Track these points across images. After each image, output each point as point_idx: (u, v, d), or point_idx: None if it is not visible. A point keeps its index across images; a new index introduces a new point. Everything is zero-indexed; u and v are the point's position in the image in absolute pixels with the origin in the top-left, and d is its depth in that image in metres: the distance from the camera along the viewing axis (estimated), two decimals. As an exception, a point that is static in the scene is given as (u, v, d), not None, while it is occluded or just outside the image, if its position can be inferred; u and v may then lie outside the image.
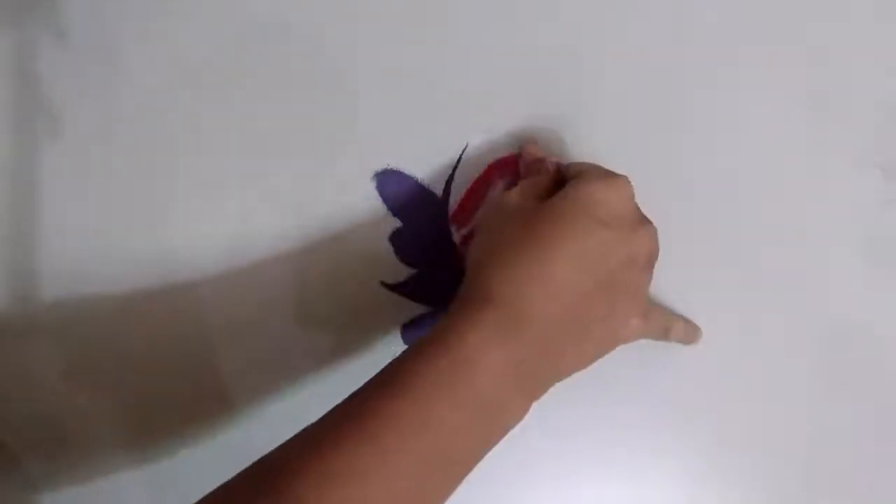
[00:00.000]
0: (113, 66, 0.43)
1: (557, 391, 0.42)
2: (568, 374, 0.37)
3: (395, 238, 0.43)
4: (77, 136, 0.43)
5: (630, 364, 0.42)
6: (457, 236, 0.43)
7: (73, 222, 0.43)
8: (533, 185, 0.38)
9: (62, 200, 0.43)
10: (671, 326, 0.41)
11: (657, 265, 0.40)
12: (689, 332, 0.42)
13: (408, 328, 0.44)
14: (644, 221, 0.37)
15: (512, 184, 0.42)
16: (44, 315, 0.43)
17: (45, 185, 0.43)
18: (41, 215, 0.43)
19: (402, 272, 0.43)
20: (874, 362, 0.43)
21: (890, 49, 0.43)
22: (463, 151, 0.43)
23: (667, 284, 0.43)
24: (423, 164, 0.43)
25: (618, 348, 0.41)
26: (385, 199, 0.43)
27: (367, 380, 0.35)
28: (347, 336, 0.44)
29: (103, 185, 0.43)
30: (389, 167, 0.43)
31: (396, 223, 0.43)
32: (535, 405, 0.42)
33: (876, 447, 0.43)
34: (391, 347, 0.44)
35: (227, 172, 0.43)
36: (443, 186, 0.43)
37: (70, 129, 0.43)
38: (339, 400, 0.39)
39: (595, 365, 0.42)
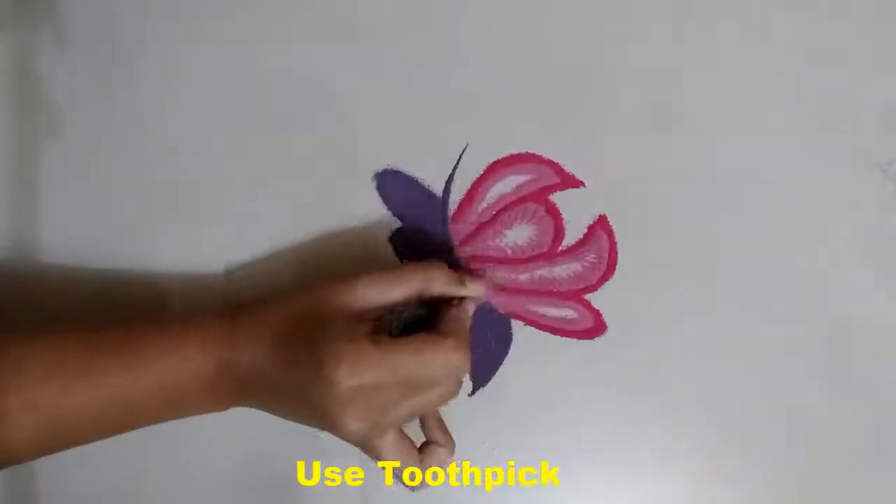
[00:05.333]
0: (113, 66, 0.43)
1: (557, 391, 0.43)
2: (283, 414, 0.38)
3: (395, 238, 0.43)
4: (77, 136, 0.43)
5: (629, 364, 0.42)
6: (457, 236, 0.43)
7: (73, 222, 0.43)
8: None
9: (62, 200, 0.43)
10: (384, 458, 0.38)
11: (656, 264, 0.40)
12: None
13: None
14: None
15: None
16: (43, 314, 0.43)
17: (45, 185, 0.43)
18: (41, 215, 0.43)
19: (402, 272, 0.43)
20: (874, 362, 0.43)
21: (890, 49, 0.43)
22: (463, 151, 0.43)
23: (667, 284, 0.43)
24: (423, 164, 0.43)
25: (616, 348, 0.41)
26: (385, 199, 0.43)
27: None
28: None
29: (103, 185, 0.43)
30: (389, 167, 0.43)
31: (396, 223, 0.43)
32: (536, 406, 0.43)
33: (876, 447, 0.43)
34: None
35: (227, 172, 0.43)
36: (443, 186, 0.43)
37: (70, 129, 0.43)
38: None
39: (593, 364, 0.42)
